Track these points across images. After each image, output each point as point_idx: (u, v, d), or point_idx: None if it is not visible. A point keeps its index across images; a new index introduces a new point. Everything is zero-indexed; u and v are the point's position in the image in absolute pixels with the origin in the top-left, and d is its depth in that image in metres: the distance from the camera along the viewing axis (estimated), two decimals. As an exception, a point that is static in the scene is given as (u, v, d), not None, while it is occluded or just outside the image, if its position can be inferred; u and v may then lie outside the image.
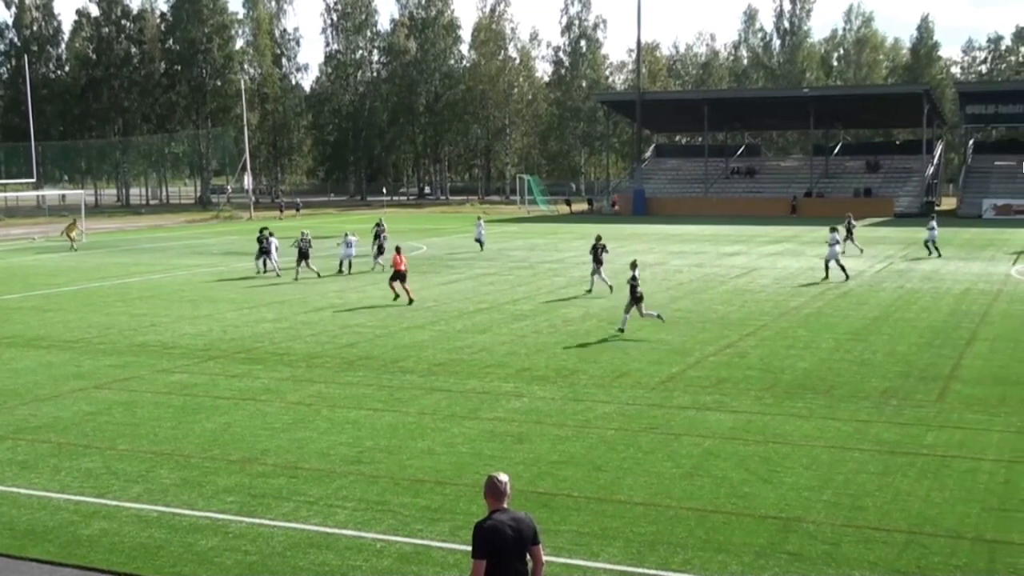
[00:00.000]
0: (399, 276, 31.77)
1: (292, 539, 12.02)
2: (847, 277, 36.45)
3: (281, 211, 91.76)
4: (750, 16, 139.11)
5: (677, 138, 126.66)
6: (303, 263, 39.24)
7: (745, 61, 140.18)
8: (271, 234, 42.17)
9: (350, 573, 11.08)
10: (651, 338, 24.88)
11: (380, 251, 43.42)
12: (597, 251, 34.06)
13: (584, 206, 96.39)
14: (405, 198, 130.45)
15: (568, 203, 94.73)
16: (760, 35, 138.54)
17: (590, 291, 34.09)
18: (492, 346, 24.12)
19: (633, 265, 26.58)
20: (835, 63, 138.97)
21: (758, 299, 31.94)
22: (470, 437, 16.17)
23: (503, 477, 8.02)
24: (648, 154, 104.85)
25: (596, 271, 34.00)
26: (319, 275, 39.37)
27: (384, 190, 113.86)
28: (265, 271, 41.26)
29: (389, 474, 14.36)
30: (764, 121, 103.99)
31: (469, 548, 7.94)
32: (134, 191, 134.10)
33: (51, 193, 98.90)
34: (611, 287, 33.39)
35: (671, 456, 15.02)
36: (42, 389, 20.27)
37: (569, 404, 18.28)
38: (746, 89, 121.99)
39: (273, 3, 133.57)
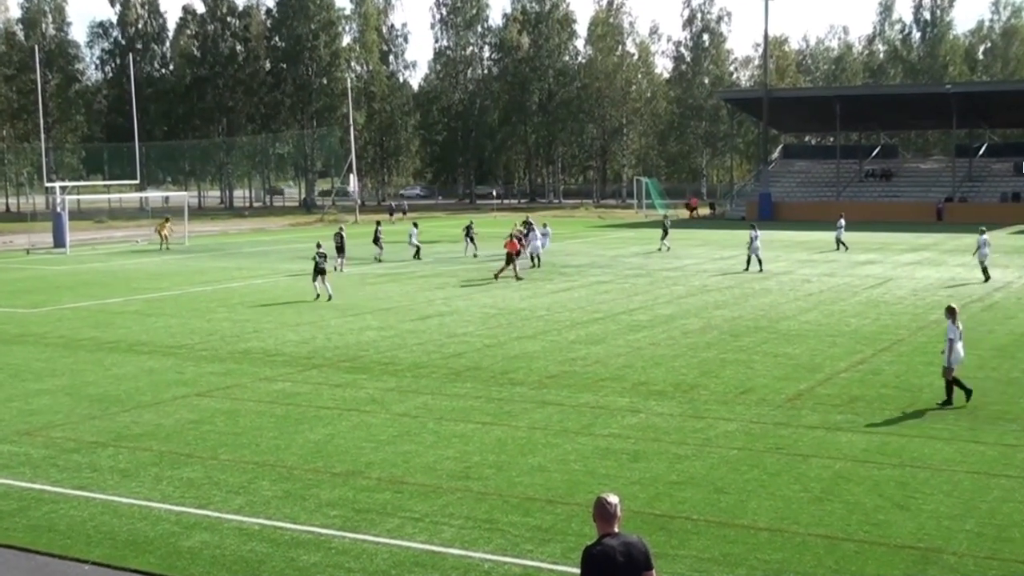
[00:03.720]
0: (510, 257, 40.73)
1: (396, 557, 12.14)
2: None
3: (391, 214, 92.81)
4: (886, 7, 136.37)
5: (807, 138, 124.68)
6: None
7: (881, 55, 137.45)
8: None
9: (456, 594, 11.16)
10: (778, 352, 24.55)
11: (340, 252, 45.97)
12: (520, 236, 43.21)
13: (706, 210, 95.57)
14: (516, 201, 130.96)
15: (688, 207, 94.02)
16: (898, 27, 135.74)
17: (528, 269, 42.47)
18: (607, 358, 24.06)
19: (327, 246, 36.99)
20: (980, 57, 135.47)
21: (894, 311, 31.28)
22: (583, 454, 16.14)
23: (612, 499, 7.96)
24: (775, 155, 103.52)
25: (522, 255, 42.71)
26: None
27: (494, 192, 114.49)
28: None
29: (498, 491, 14.42)
30: (902, 120, 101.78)
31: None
32: (237, 193, 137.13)
33: (154, 195, 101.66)
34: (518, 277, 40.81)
35: (799, 479, 14.79)
36: (144, 396, 20.86)
37: (689, 421, 18.14)
38: (882, 85, 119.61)
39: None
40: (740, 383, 21.18)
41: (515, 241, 41.63)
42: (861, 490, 14.27)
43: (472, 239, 52.89)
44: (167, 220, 64.48)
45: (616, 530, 7.90)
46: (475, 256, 51.04)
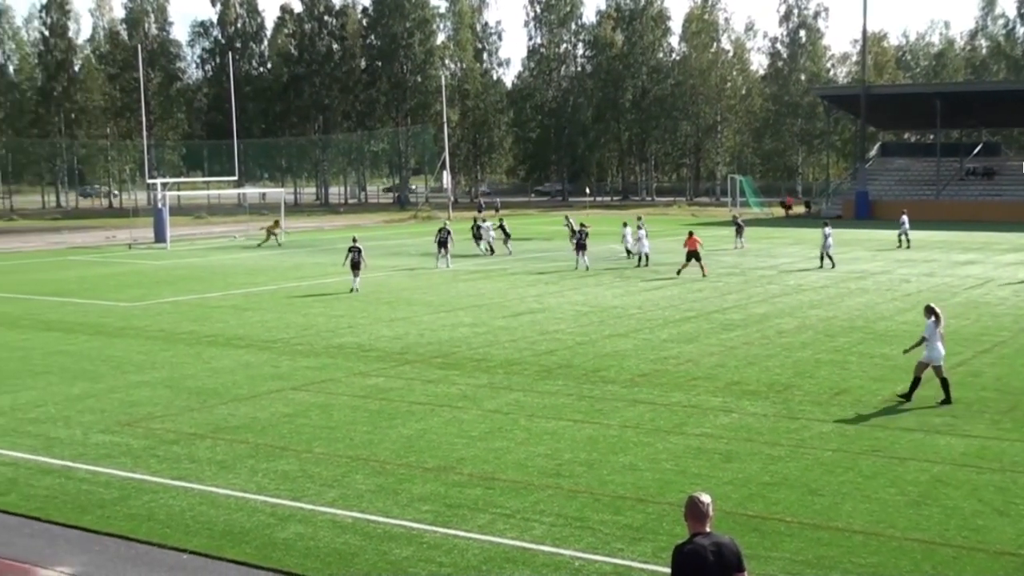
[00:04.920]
0: (694, 255, 41.00)
1: (488, 553, 12.20)
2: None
3: (480, 210, 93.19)
4: (989, 2, 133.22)
5: (906, 136, 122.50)
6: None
7: (984, 51, 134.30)
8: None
9: (547, 591, 11.17)
10: (875, 352, 24.16)
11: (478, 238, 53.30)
12: (581, 236, 44.64)
13: (802, 208, 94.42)
14: (609, 199, 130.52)
15: (784, 205, 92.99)
16: (1001, 22, 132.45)
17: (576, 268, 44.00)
18: (699, 357, 23.90)
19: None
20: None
21: (995, 312, 30.59)
22: (675, 453, 16.06)
23: (705, 498, 7.93)
24: (872, 153, 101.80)
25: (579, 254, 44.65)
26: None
27: (587, 190, 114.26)
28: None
29: (588, 489, 14.41)
30: (1005, 117, 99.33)
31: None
32: (333, 190, 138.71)
33: (252, 191, 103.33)
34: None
35: (895, 482, 14.55)
36: (241, 389, 21.22)
37: (782, 422, 17.94)
38: (985, 82, 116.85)
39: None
40: (835, 384, 20.89)
41: (695, 239, 41.64)
42: (960, 495, 13.99)
43: (507, 233, 54.32)
44: (277, 221, 65.36)
45: (708, 529, 7.86)
46: (493, 253, 52.67)
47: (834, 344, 25.44)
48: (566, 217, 59.25)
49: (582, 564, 11.83)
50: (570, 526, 13.00)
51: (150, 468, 15.72)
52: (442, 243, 46.23)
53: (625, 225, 51.50)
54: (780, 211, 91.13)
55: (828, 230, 45.04)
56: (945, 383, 19.08)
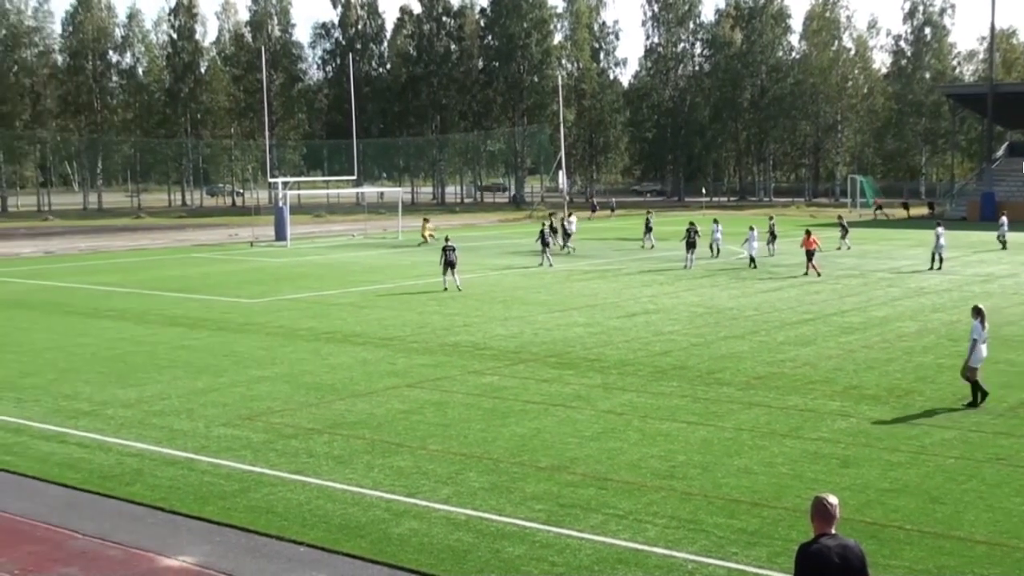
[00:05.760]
0: (811, 254, 41.52)
1: (600, 553, 12.18)
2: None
3: (593, 211, 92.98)
4: None
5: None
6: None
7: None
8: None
9: (659, 593, 11.11)
10: (1000, 358, 23.50)
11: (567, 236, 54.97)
12: (690, 234, 45.66)
13: (924, 210, 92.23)
14: (725, 199, 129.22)
15: (905, 206, 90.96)
16: None
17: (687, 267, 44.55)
18: (817, 360, 23.52)
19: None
20: None
21: None
22: (791, 457, 15.84)
23: (832, 499, 7.86)
24: (1000, 153, 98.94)
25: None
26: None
27: (703, 190, 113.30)
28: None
29: (703, 492, 14.30)
30: None
31: (789, 577, 7.80)
32: (449, 189, 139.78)
33: (370, 191, 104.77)
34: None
35: (1021, 491, 14.14)
36: (358, 385, 21.53)
37: (902, 427, 17.57)
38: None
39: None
40: (958, 390, 20.33)
41: (813, 239, 41.67)
42: (1089, 506, 13.55)
43: (568, 233, 55.47)
44: (427, 220, 65.97)
45: (834, 531, 7.79)
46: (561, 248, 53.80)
47: (957, 349, 24.76)
48: (647, 211, 61.55)
49: (696, 567, 11.75)
50: (684, 528, 12.92)
51: (269, 462, 16.04)
52: (546, 243, 47.25)
53: (752, 229, 49.03)
54: (901, 212, 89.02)
55: (940, 230, 44.55)
56: (977, 385, 18.93)
